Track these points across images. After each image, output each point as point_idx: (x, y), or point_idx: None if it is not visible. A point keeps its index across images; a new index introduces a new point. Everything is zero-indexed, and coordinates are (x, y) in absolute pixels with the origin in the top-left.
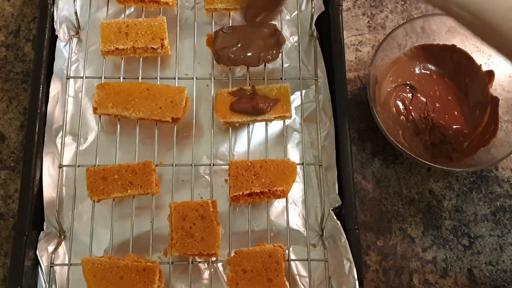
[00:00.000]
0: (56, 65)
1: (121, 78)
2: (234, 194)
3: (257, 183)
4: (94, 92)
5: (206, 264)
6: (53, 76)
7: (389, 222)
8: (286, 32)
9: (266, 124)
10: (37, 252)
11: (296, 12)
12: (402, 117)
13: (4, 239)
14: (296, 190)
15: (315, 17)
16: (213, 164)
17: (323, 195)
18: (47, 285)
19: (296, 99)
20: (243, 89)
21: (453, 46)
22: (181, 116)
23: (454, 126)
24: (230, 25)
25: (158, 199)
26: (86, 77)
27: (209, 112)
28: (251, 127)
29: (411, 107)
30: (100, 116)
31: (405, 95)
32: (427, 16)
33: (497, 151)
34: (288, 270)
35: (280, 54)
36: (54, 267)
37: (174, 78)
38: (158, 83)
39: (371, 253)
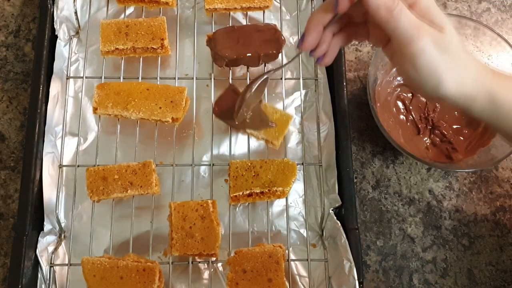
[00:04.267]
0: (56, 65)
1: (121, 78)
2: (234, 194)
3: (257, 183)
4: (94, 92)
5: (206, 264)
6: (53, 76)
7: (389, 222)
8: (286, 32)
9: None
10: (37, 252)
11: (296, 12)
12: (402, 117)
13: (4, 239)
14: (296, 190)
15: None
16: (213, 164)
17: (323, 195)
18: (47, 285)
19: (296, 99)
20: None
21: None
22: (181, 116)
23: (454, 126)
24: (230, 25)
25: (158, 199)
26: (86, 77)
27: (209, 112)
28: None
29: (411, 107)
30: (100, 116)
31: (405, 95)
32: None
33: (497, 151)
34: (288, 270)
35: (280, 54)
36: (54, 267)
37: (174, 78)
38: (158, 83)
39: (371, 253)
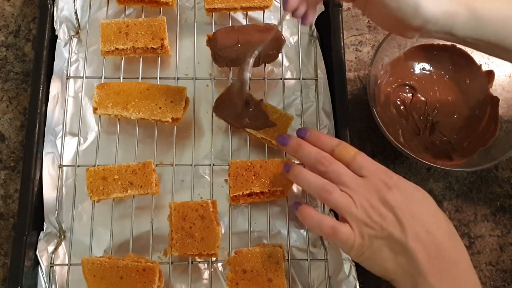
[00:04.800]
0: (56, 65)
1: (121, 78)
2: (234, 194)
3: (257, 183)
4: (94, 92)
5: (206, 264)
6: (53, 76)
7: None
8: (286, 32)
9: None
10: (37, 252)
11: None
12: (402, 117)
13: (4, 239)
14: (296, 190)
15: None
16: (213, 164)
17: None
18: (47, 285)
19: (296, 99)
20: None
21: (453, 46)
22: (181, 116)
23: (454, 126)
24: (230, 25)
25: (158, 199)
26: (86, 77)
27: (209, 112)
28: None
29: (411, 107)
30: (100, 116)
31: (405, 95)
32: None
33: (497, 151)
34: (288, 270)
35: (280, 54)
36: (54, 267)
37: (174, 78)
38: (158, 83)
39: None
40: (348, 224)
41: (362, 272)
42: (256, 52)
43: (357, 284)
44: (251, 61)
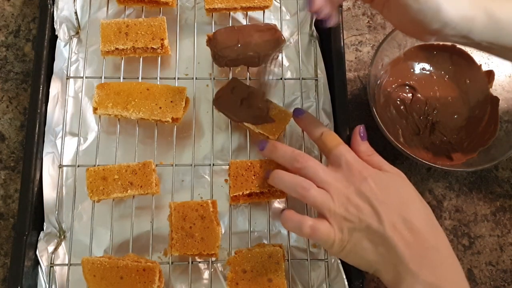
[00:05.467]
0: (56, 65)
1: (121, 78)
2: (234, 194)
3: (257, 183)
4: (94, 92)
5: (206, 264)
6: (53, 76)
7: None
8: (286, 32)
9: None
10: (37, 252)
11: (296, 12)
12: (402, 117)
13: (4, 239)
14: None
15: (315, 17)
16: (213, 164)
17: None
18: (47, 285)
19: (296, 99)
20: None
21: (453, 46)
22: (181, 116)
23: (454, 126)
24: (230, 25)
25: (158, 199)
26: (86, 77)
27: (209, 112)
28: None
29: (411, 107)
30: (100, 116)
31: (405, 95)
32: None
33: (497, 151)
34: (288, 270)
35: (280, 54)
36: (54, 267)
37: (174, 78)
38: (158, 83)
39: None
40: (326, 220)
41: (362, 272)
42: (277, 55)
43: (357, 284)
44: (269, 65)
